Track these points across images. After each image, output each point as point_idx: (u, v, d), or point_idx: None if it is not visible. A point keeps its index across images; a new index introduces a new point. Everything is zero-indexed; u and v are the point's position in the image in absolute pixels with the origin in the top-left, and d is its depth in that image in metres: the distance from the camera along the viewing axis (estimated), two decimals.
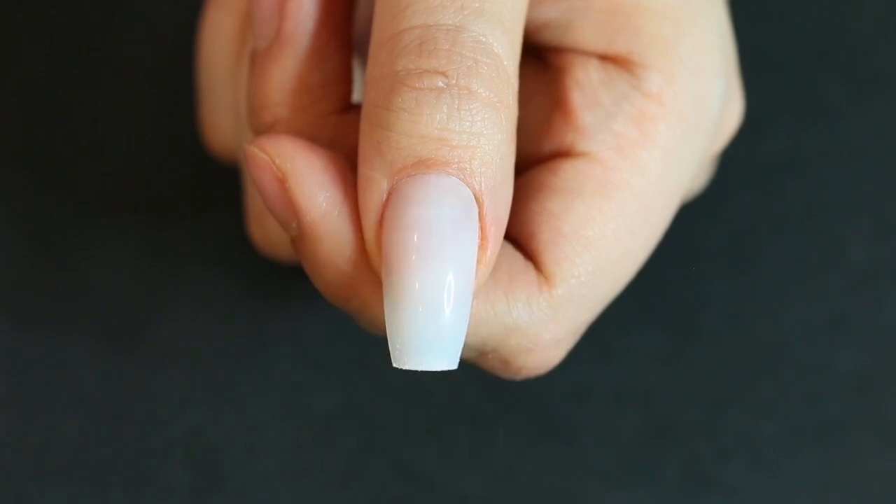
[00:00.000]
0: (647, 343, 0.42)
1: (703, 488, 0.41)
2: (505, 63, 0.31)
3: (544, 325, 0.33)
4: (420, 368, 0.31)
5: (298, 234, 0.32)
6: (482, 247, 0.31)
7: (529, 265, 0.33)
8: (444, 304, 0.30)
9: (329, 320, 0.43)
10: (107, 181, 0.45)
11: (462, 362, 0.32)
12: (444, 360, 0.31)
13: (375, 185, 0.30)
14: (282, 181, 0.32)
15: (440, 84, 0.30)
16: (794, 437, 0.42)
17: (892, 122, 0.45)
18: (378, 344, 0.43)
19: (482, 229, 0.31)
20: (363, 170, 0.31)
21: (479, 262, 0.31)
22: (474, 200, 0.30)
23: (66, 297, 0.43)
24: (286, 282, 0.43)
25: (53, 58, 0.46)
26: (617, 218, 0.33)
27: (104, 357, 0.43)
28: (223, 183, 0.44)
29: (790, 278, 0.42)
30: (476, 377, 0.42)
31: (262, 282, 0.44)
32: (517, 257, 0.33)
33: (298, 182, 0.31)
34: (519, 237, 0.33)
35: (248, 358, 0.43)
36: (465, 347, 0.33)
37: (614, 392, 0.42)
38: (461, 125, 0.30)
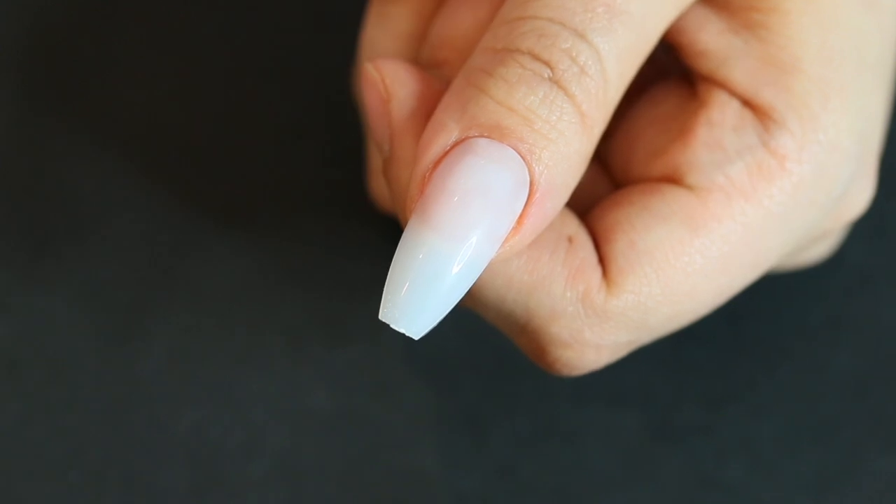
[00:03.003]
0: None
1: (703, 488, 0.41)
2: (609, 86, 0.31)
3: (588, 325, 0.33)
4: (394, 324, 0.31)
5: (389, 156, 0.33)
6: (513, 231, 0.31)
7: (599, 267, 0.33)
8: (454, 263, 0.30)
9: (329, 321, 0.43)
10: (106, 180, 0.45)
11: (502, 340, 0.32)
12: (415, 322, 0.31)
13: (446, 131, 0.31)
14: (385, 102, 0.33)
15: (545, 74, 0.31)
16: (793, 437, 0.42)
17: (890, 124, 0.45)
18: (377, 344, 0.43)
19: (522, 216, 0.31)
20: (439, 115, 0.31)
21: (502, 243, 0.31)
22: (528, 186, 0.31)
23: (66, 297, 0.43)
24: (287, 282, 0.43)
25: (53, 58, 0.46)
26: (695, 255, 0.33)
27: (104, 357, 0.43)
28: (223, 184, 0.44)
29: (788, 278, 0.42)
30: (476, 377, 0.42)
31: (263, 282, 0.44)
32: (594, 255, 0.33)
33: (399, 107, 0.32)
34: (598, 239, 0.34)
35: (247, 358, 0.43)
36: (511, 316, 0.33)
37: (613, 392, 0.42)
38: (549, 115, 0.31)
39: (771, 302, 0.43)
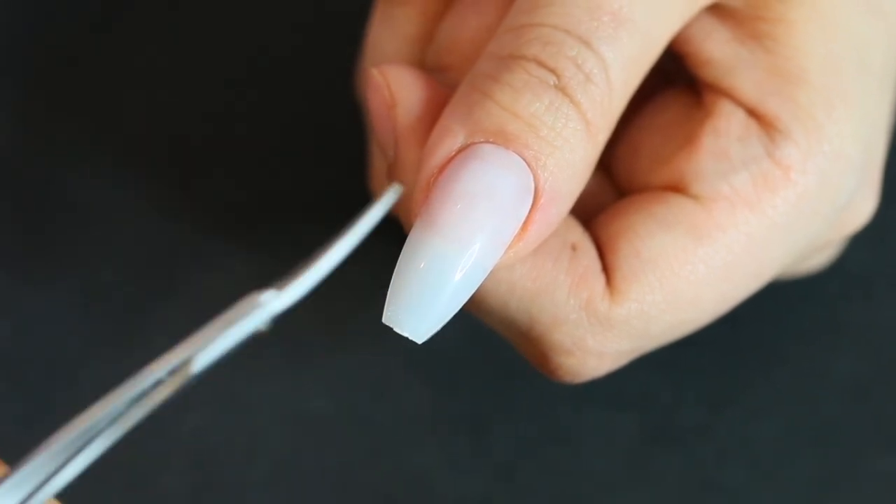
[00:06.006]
0: None
1: (703, 490, 0.41)
2: (614, 94, 0.31)
3: (591, 332, 0.33)
4: (398, 327, 0.31)
5: (394, 161, 0.33)
6: (518, 236, 0.31)
7: (603, 275, 0.33)
8: (458, 267, 0.30)
9: (329, 323, 0.43)
10: (106, 181, 0.45)
11: (503, 344, 0.32)
12: (419, 326, 0.30)
13: (452, 135, 0.31)
14: (390, 107, 0.33)
15: (551, 82, 0.31)
16: (793, 439, 0.42)
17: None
18: (377, 347, 0.43)
19: (527, 222, 0.31)
20: (444, 120, 0.31)
21: (507, 248, 0.31)
22: (533, 192, 0.31)
23: (66, 297, 0.43)
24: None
25: (53, 58, 0.46)
26: (698, 264, 0.33)
27: (104, 357, 0.43)
28: (224, 185, 0.44)
29: (788, 282, 0.42)
30: (476, 380, 0.42)
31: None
32: (597, 263, 0.33)
33: (404, 112, 0.33)
34: (602, 247, 0.34)
35: (248, 361, 0.43)
36: (514, 323, 0.33)
37: (613, 395, 0.42)
38: (554, 122, 0.31)
39: (771, 306, 0.43)
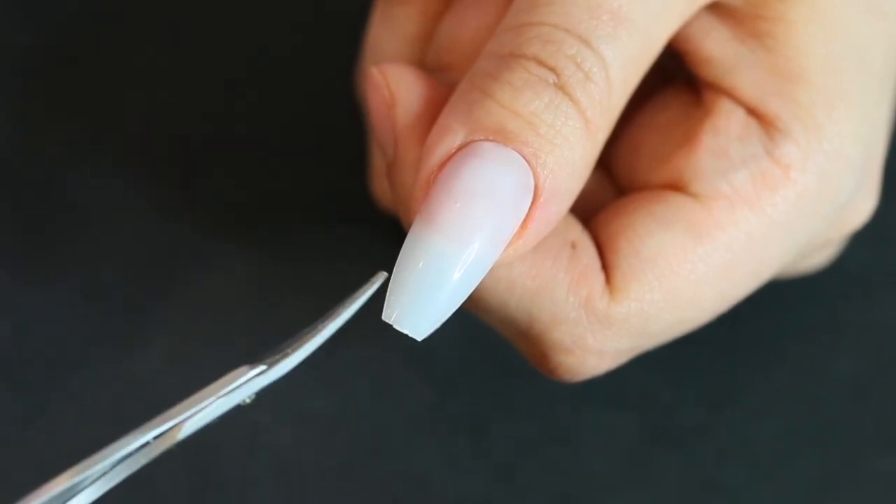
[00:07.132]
0: None
1: (703, 490, 0.41)
2: (613, 93, 0.31)
3: (591, 330, 0.33)
4: (397, 325, 0.31)
5: (393, 160, 0.33)
6: (517, 234, 0.31)
7: (602, 273, 0.33)
8: (458, 265, 0.30)
9: None
10: (106, 181, 0.45)
11: (503, 344, 0.32)
12: (419, 323, 0.31)
13: (452, 133, 0.31)
14: (390, 106, 0.33)
15: (550, 80, 0.31)
16: (793, 439, 0.42)
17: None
18: (378, 347, 0.43)
19: (526, 220, 0.31)
20: (444, 118, 0.31)
21: (506, 246, 0.31)
22: (532, 190, 0.31)
23: (66, 297, 0.43)
24: (286, 283, 0.43)
25: (53, 58, 0.46)
26: (697, 262, 0.33)
27: (103, 357, 0.43)
28: (223, 185, 0.44)
29: (788, 281, 0.42)
30: (476, 379, 0.42)
31: (262, 283, 0.43)
32: (597, 261, 0.33)
33: (404, 111, 0.33)
34: (601, 245, 0.34)
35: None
36: (513, 321, 0.33)
37: (613, 395, 0.42)
38: (554, 120, 0.31)
39: (770, 305, 0.43)
